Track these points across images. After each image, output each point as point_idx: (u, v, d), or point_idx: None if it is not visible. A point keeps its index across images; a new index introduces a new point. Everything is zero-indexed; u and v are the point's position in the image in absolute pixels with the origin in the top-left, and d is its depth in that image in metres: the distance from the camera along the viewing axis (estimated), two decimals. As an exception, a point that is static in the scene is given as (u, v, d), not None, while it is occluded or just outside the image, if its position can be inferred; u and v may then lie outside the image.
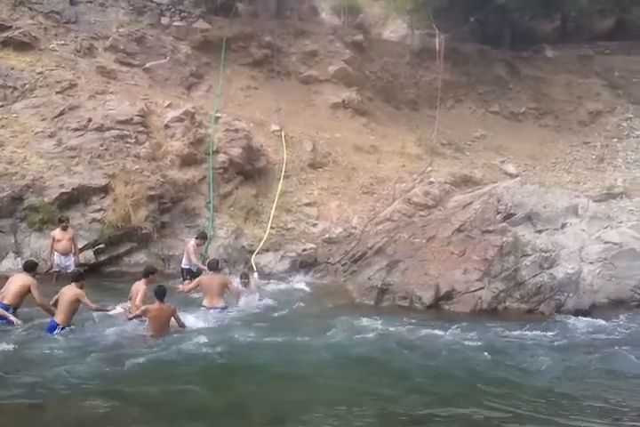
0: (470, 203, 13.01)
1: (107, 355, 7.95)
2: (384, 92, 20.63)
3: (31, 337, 8.53)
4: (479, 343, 9.00)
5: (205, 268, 10.86)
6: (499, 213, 12.29)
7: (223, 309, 10.14)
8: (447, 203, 14.24)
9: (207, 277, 10.38)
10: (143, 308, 8.58)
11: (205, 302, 10.16)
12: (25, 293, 8.99)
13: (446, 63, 19.32)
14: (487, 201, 12.68)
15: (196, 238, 11.70)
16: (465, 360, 8.34)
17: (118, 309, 9.36)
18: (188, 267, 11.51)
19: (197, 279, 10.55)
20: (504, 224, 11.99)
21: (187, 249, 11.54)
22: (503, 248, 11.49)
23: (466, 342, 8.99)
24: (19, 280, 9.05)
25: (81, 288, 8.82)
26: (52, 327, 8.65)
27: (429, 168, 16.12)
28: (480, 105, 21.18)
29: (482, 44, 22.73)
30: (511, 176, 16.80)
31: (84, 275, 9.30)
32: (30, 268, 9.33)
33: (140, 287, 9.13)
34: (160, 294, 8.64)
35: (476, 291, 11.09)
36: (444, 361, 8.28)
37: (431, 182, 15.05)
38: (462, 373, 7.89)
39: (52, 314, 8.96)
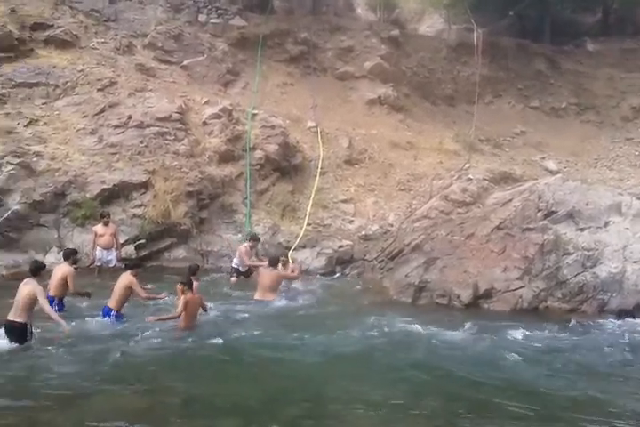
0: (510, 200, 12.80)
1: (139, 347, 8.02)
2: (421, 88, 20.46)
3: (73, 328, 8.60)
4: (518, 345, 8.80)
5: (263, 263, 11.22)
6: (539, 210, 12.05)
7: (270, 302, 10.48)
8: (486, 200, 14.04)
9: (264, 272, 10.87)
10: (187, 298, 8.72)
11: (257, 295, 10.69)
12: (66, 282, 9.21)
13: (484, 58, 19.03)
14: (527, 198, 12.46)
15: (249, 240, 11.89)
16: (502, 363, 8.11)
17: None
18: (237, 266, 11.82)
19: (258, 270, 11.10)
20: (545, 222, 11.76)
21: (239, 250, 11.77)
22: (544, 246, 11.28)
23: (505, 344, 8.79)
24: (59, 271, 9.31)
25: (135, 276, 9.09)
26: (106, 312, 8.97)
27: (467, 165, 15.91)
28: (519, 100, 20.86)
29: (521, 38, 22.37)
30: (552, 173, 16.46)
31: (140, 264, 9.88)
32: (67, 256, 9.52)
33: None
34: (191, 284, 8.92)
35: (516, 290, 10.91)
36: (481, 363, 8.07)
37: (469, 179, 14.85)
38: (497, 376, 7.63)
39: (89, 296, 9.32)
